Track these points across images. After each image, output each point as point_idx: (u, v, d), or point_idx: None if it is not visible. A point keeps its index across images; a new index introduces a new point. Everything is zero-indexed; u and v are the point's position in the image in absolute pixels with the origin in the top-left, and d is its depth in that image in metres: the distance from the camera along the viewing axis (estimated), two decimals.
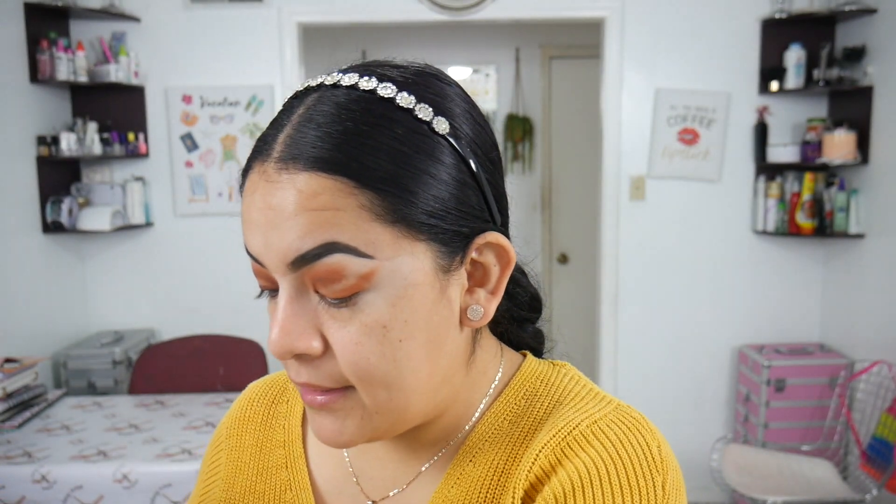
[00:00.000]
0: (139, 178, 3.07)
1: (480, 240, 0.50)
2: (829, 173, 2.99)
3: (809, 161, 2.93)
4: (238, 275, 3.16)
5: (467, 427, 0.56)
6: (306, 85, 0.51)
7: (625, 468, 0.47)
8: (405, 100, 0.48)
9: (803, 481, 2.58)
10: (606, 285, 3.22)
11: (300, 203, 0.45)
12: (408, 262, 0.47)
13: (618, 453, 0.48)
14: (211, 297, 3.17)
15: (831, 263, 3.12)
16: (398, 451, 0.57)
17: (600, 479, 0.47)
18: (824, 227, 2.95)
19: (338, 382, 0.48)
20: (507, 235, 0.53)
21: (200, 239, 3.15)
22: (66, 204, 2.86)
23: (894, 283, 2.70)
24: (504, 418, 0.55)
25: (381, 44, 4.21)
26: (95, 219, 2.89)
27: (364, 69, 0.50)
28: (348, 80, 0.49)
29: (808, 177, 2.98)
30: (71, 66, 2.83)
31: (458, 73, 4.32)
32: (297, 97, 0.50)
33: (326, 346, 0.48)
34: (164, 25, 3.03)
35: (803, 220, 2.98)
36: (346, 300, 0.46)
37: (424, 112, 0.48)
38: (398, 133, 0.47)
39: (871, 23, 2.82)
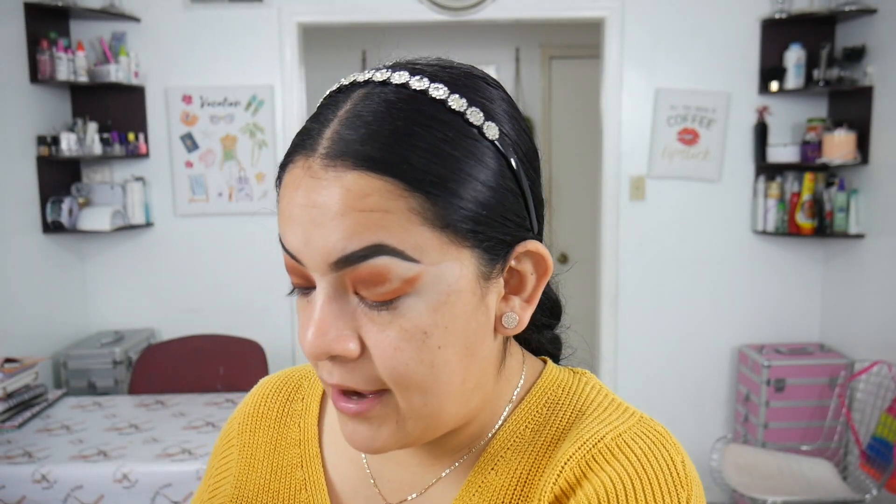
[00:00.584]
0: (139, 178, 3.07)
1: (521, 248, 0.49)
2: (829, 173, 2.99)
3: (809, 161, 2.92)
4: (238, 275, 3.16)
5: (490, 434, 0.55)
6: (352, 80, 0.49)
7: (650, 483, 0.47)
8: (456, 102, 0.47)
9: (803, 481, 2.58)
10: (606, 285, 3.22)
11: (348, 203, 0.44)
12: (452, 268, 0.46)
13: (643, 468, 0.48)
14: (211, 297, 3.17)
15: (831, 263, 3.12)
16: (419, 455, 0.56)
17: (626, 494, 0.47)
18: (824, 227, 2.95)
19: (372, 385, 0.48)
20: (542, 242, 0.53)
21: (200, 239, 3.15)
22: (66, 204, 2.86)
23: (894, 283, 2.70)
24: (526, 426, 0.55)
25: (381, 44, 4.20)
26: (95, 219, 2.89)
27: (413, 68, 0.49)
28: (398, 77, 0.47)
29: (808, 177, 2.98)
30: (71, 66, 2.83)
31: None
32: (342, 91, 0.49)
33: (363, 348, 0.47)
34: (164, 25, 3.03)
35: (803, 220, 2.98)
36: (387, 304, 0.45)
37: (475, 116, 0.47)
38: (449, 136, 0.46)
39: (871, 23, 2.82)
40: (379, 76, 0.48)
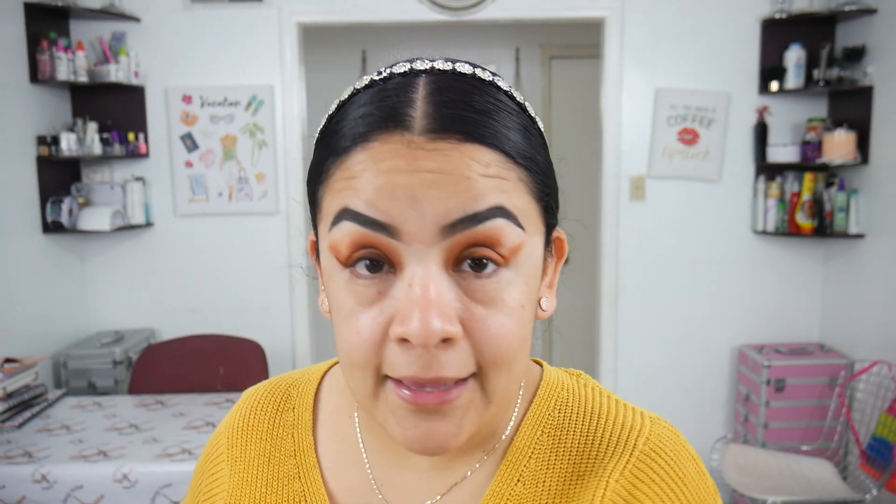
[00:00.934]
0: (139, 178, 3.07)
1: (555, 233, 0.53)
2: (829, 173, 2.99)
3: (809, 161, 2.92)
4: (238, 275, 3.16)
5: (504, 437, 0.54)
6: (407, 67, 0.48)
7: (692, 480, 0.52)
8: (519, 96, 0.50)
9: (803, 481, 2.58)
10: (606, 285, 3.22)
11: (473, 168, 0.44)
12: (537, 243, 0.49)
13: (680, 474, 0.52)
14: (211, 297, 3.17)
15: (831, 263, 3.12)
16: (426, 459, 0.54)
17: (682, 491, 0.51)
18: (824, 227, 2.95)
19: (462, 371, 0.45)
20: None
21: (200, 239, 3.15)
22: (66, 204, 2.86)
23: (894, 283, 2.70)
24: (542, 431, 0.54)
25: (381, 44, 4.20)
26: (95, 219, 2.89)
27: (469, 63, 0.49)
28: (463, 68, 0.48)
29: (808, 177, 2.98)
30: (71, 66, 2.83)
31: None
32: (395, 77, 0.47)
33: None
34: (164, 25, 3.03)
35: (803, 220, 2.98)
36: (490, 277, 0.45)
37: (530, 109, 0.51)
38: (525, 123, 0.49)
39: (871, 23, 2.82)
40: (440, 65, 0.48)
